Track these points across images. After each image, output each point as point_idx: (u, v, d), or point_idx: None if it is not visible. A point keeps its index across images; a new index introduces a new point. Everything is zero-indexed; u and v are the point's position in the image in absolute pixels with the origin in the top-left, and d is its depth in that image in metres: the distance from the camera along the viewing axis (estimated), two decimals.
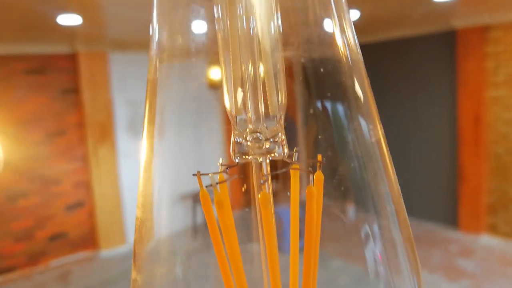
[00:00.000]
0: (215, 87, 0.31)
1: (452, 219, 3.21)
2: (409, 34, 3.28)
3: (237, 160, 0.26)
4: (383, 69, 3.43)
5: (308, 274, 0.23)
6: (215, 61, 0.27)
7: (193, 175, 0.23)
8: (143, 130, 0.30)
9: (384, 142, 0.30)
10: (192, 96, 0.33)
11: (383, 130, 0.31)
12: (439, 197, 3.32)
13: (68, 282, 2.94)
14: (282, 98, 0.25)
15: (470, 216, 3.12)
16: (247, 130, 0.25)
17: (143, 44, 2.86)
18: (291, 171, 0.25)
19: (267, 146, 0.25)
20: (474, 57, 2.98)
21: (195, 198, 0.29)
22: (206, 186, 0.23)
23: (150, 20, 0.30)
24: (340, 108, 0.31)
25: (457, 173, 3.15)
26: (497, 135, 2.96)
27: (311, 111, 0.31)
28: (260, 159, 0.25)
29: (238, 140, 0.25)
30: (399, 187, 0.31)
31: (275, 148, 0.25)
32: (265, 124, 0.25)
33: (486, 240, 3.02)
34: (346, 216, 0.31)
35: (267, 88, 0.25)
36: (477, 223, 3.08)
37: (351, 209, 0.31)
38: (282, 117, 0.26)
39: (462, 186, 3.14)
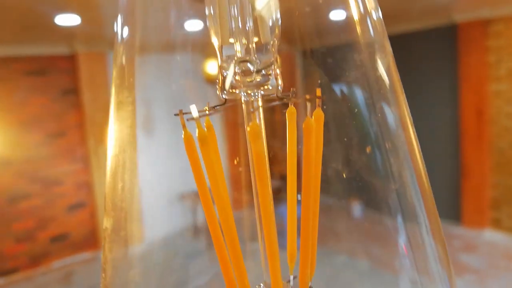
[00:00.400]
0: (211, 81, 0.30)
1: (455, 214, 3.19)
2: (410, 29, 3.26)
3: (224, 97, 0.23)
4: None
5: (307, 221, 0.21)
6: (208, 54, 0.26)
7: (175, 115, 0.21)
8: (110, 117, 0.29)
9: (413, 130, 0.28)
10: (179, 90, 0.31)
11: (411, 117, 0.29)
12: (442, 192, 3.30)
13: (71, 283, 2.92)
14: (275, 27, 0.22)
15: (474, 211, 3.10)
16: (235, 59, 0.22)
17: None
18: (287, 115, 0.22)
19: (258, 79, 0.22)
20: (476, 51, 2.96)
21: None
22: (187, 120, 0.21)
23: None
24: (362, 93, 0.29)
25: (460, 168, 3.13)
26: (499, 129, 2.94)
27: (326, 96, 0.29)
28: (250, 93, 0.22)
29: (226, 74, 0.22)
30: (428, 178, 0.29)
31: (268, 80, 0.22)
32: (255, 54, 0.22)
33: (490, 235, 2.99)
34: (371, 208, 0.30)
35: (257, 14, 0.22)
36: (481, 218, 3.05)
37: (374, 201, 0.30)
38: (276, 46, 0.22)
39: (465, 181, 3.11)
